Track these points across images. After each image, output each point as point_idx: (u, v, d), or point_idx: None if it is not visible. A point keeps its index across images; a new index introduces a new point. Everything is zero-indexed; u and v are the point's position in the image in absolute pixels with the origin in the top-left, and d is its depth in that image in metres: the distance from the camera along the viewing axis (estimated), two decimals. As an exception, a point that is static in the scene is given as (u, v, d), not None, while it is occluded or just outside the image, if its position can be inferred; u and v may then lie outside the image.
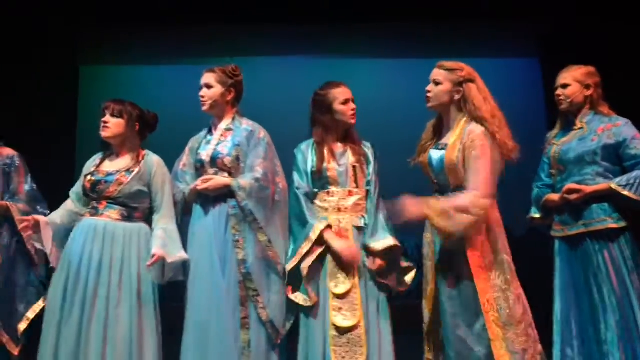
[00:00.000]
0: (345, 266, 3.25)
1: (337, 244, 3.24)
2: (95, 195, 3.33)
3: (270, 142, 3.41)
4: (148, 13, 4.89)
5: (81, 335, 3.12)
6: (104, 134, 3.38)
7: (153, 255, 3.16)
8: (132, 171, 3.36)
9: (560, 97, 3.49)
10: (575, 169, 3.41)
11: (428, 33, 4.85)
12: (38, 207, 3.51)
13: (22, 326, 3.34)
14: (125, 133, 3.42)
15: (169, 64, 4.98)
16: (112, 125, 3.37)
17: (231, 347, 3.12)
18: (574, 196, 3.33)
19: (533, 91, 4.62)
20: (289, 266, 3.25)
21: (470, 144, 2.99)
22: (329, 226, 3.25)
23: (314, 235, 3.22)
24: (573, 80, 3.46)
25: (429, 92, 3.13)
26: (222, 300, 3.17)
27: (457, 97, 3.09)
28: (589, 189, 3.32)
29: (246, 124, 3.43)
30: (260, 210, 3.28)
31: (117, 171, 3.36)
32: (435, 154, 3.11)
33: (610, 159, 3.34)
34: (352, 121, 3.43)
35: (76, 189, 3.45)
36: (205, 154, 3.37)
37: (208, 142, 3.42)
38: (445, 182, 3.08)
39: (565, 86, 3.48)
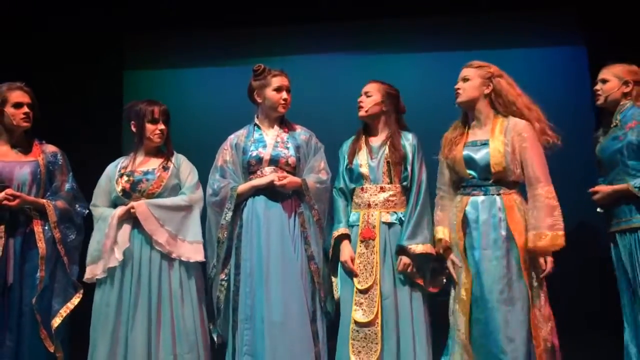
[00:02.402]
0: (367, 265, 3.30)
1: (341, 255, 3.35)
2: (137, 195, 3.39)
3: (324, 149, 3.56)
4: (188, 17, 4.96)
5: (151, 335, 3.24)
6: (160, 141, 3.48)
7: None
8: (169, 167, 3.44)
9: (598, 92, 3.44)
10: (609, 168, 3.35)
11: (471, 24, 4.75)
12: (77, 206, 3.57)
13: (56, 322, 3.38)
14: (168, 136, 3.50)
15: (208, 67, 5.01)
16: (165, 132, 3.46)
17: (309, 339, 3.22)
18: (595, 197, 3.33)
19: (580, 80, 4.47)
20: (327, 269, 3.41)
21: (519, 137, 3.12)
22: (345, 235, 3.35)
23: (332, 240, 3.39)
24: (612, 76, 3.40)
25: (458, 89, 3.23)
26: (302, 293, 3.26)
27: (486, 91, 3.21)
28: (607, 188, 3.29)
29: (299, 129, 3.57)
30: (323, 211, 3.42)
31: (154, 169, 3.43)
32: (475, 150, 3.18)
33: (636, 157, 3.23)
34: (360, 114, 3.44)
35: (101, 200, 3.50)
36: (264, 153, 3.44)
37: (260, 142, 3.49)
38: (486, 175, 3.15)
39: (604, 81, 3.43)
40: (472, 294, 3.05)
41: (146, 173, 3.45)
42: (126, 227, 3.35)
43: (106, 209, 3.47)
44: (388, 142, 3.43)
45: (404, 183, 3.40)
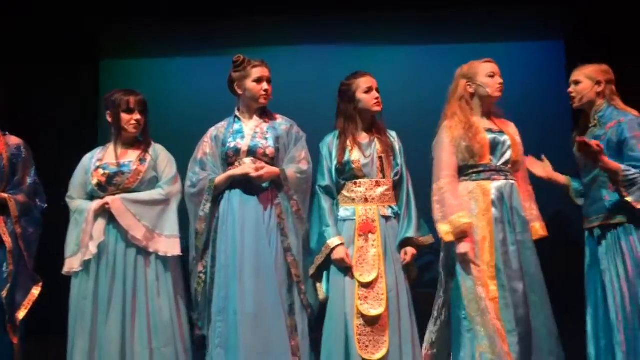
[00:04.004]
0: (367, 259, 3.29)
1: (336, 254, 3.30)
2: (113, 189, 3.36)
3: (306, 139, 3.51)
4: (167, 6, 4.89)
5: (125, 329, 3.23)
6: (136, 131, 3.43)
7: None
8: (145, 159, 3.41)
9: (572, 94, 3.50)
10: (590, 168, 3.36)
11: (453, 18, 4.76)
12: (37, 200, 3.56)
13: (21, 314, 3.39)
14: (145, 126, 3.46)
15: (189, 56, 4.95)
16: (142, 122, 3.42)
17: (284, 332, 3.20)
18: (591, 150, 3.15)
19: (557, 74, 4.52)
20: (310, 271, 3.37)
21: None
22: (341, 244, 3.30)
23: (326, 250, 3.32)
24: (584, 77, 3.45)
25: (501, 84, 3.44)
26: (276, 285, 3.24)
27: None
28: (604, 158, 3.15)
29: (280, 119, 3.52)
30: (303, 202, 3.37)
31: (131, 161, 3.39)
32: (499, 137, 3.32)
33: (618, 158, 3.23)
34: (375, 109, 3.45)
35: (78, 191, 3.46)
36: (242, 144, 3.40)
37: (239, 133, 3.45)
38: (505, 161, 3.29)
39: (576, 83, 3.48)
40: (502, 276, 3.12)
41: (122, 166, 3.40)
42: (101, 221, 3.33)
43: (83, 201, 3.43)
44: (376, 139, 3.45)
45: (395, 178, 3.43)
